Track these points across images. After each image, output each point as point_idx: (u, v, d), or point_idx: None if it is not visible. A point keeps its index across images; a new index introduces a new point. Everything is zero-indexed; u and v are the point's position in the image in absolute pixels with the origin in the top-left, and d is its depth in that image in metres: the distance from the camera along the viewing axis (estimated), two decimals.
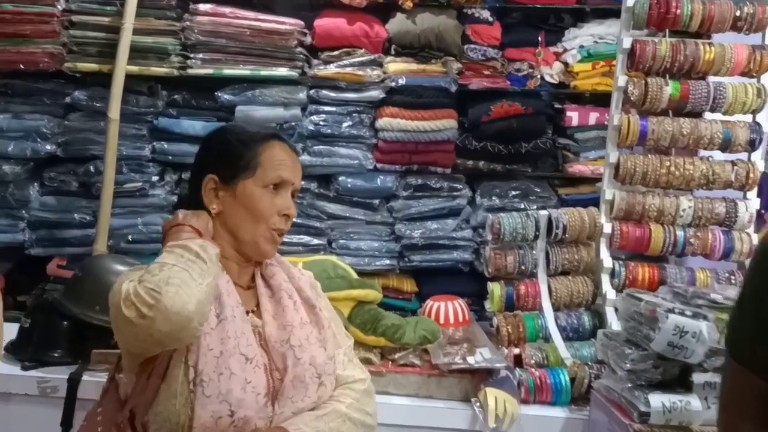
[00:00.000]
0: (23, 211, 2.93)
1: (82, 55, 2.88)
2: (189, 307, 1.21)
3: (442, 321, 2.27)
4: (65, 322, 2.09)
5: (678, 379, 1.79)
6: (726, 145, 2.37)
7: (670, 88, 2.37)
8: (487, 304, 2.39)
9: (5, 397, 2.01)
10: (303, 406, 1.37)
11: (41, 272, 2.96)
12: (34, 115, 2.92)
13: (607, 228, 2.35)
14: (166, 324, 1.20)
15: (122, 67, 2.76)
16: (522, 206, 2.97)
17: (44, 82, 2.93)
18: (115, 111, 2.73)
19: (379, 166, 3.04)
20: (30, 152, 2.89)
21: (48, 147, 2.91)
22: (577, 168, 3.06)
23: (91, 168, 2.88)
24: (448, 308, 2.31)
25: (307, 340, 1.42)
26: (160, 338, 1.23)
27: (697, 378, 1.75)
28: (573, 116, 3.09)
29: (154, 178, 2.95)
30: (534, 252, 2.35)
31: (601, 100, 3.03)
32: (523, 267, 2.34)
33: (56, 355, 2.08)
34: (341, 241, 3.03)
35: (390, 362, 2.13)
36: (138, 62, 2.86)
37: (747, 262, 2.35)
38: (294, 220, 2.87)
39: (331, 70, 2.96)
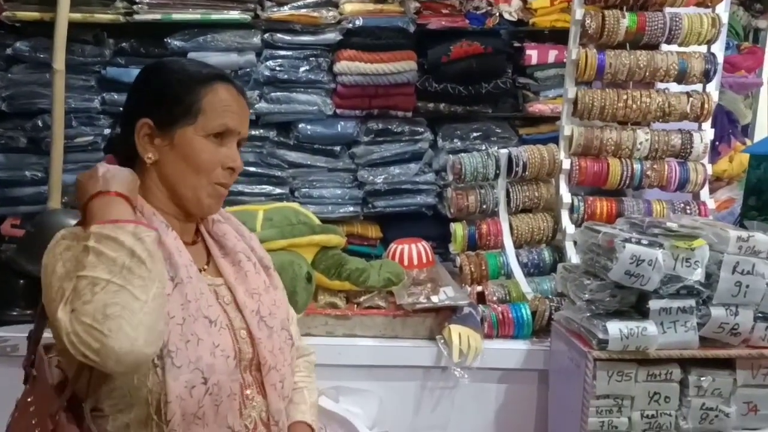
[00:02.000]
0: None
1: (22, 3, 2.75)
2: (138, 343, 1.04)
3: (406, 263, 2.28)
4: (21, 281, 2.04)
5: (634, 307, 1.82)
6: (682, 77, 2.38)
7: (627, 20, 2.36)
8: (451, 246, 2.40)
9: None
10: (285, 371, 1.33)
11: None
12: None
13: (566, 164, 2.36)
14: (118, 365, 1.05)
15: (64, 14, 2.62)
16: (483, 148, 2.94)
17: None
18: (60, 61, 2.62)
19: (338, 111, 2.99)
20: None
21: None
22: (537, 107, 3.04)
23: (39, 122, 2.78)
24: (412, 250, 2.32)
25: (274, 304, 1.36)
26: (117, 371, 1.08)
27: (653, 304, 1.78)
28: (532, 54, 3.05)
29: (106, 131, 2.86)
30: (495, 191, 2.36)
31: (560, 37, 2.99)
32: (484, 206, 2.35)
33: (14, 313, 2.04)
34: (304, 190, 2.99)
35: (355, 305, 2.14)
36: (81, 9, 2.73)
37: (701, 192, 2.39)
38: (254, 169, 2.97)
39: (284, 12, 2.88)
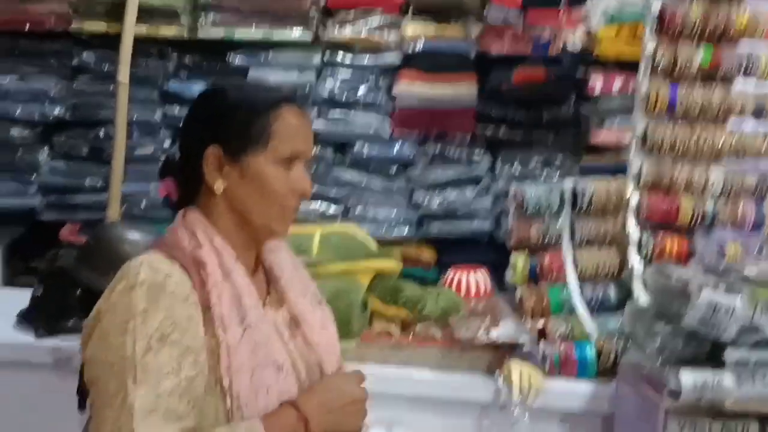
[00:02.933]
0: (33, 176, 2.87)
1: (89, 16, 2.79)
2: None
3: (463, 292, 2.22)
4: (78, 291, 2.04)
5: (709, 356, 1.73)
6: (759, 113, 2.28)
7: (701, 55, 2.28)
8: (509, 275, 2.33)
9: (19, 367, 1.97)
10: None
11: (54, 238, 2.90)
12: (41, 77, 2.83)
13: (634, 199, 2.28)
14: None
15: (130, 28, 2.67)
16: (544, 174, 2.90)
17: (51, 42, 2.84)
18: (124, 74, 2.65)
19: (396, 133, 2.96)
20: (38, 116, 2.82)
21: (56, 110, 2.83)
22: (601, 136, 2.97)
23: (101, 132, 2.82)
24: (470, 279, 2.26)
25: (333, 345, 1.33)
26: None
27: (730, 355, 1.68)
28: (597, 83, 2.99)
29: (166, 144, 2.89)
30: (558, 223, 2.29)
31: (626, 66, 2.93)
32: (546, 238, 2.28)
33: (69, 324, 2.03)
34: (358, 210, 2.97)
35: (410, 334, 2.08)
36: (147, 23, 2.77)
37: None
38: None
39: (346, 33, 2.86)
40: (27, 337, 2.01)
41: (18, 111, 2.80)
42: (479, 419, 1.98)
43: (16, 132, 2.81)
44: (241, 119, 1.21)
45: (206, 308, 1.16)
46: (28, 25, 2.75)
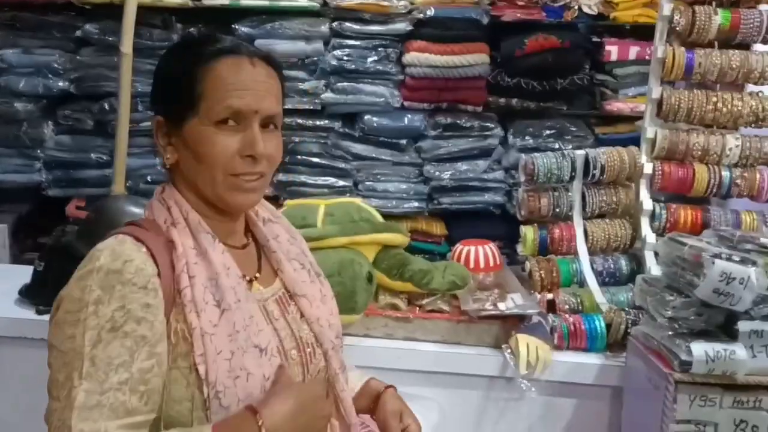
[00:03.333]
0: (39, 151, 2.86)
1: None
2: None
3: (472, 266, 2.17)
4: None
5: (722, 327, 1.68)
6: None
7: (719, 17, 2.19)
8: (519, 248, 2.28)
9: (20, 342, 1.95)
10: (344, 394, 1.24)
11: (61, 213, 2.90)
12: (45, 49, 2.82)
13: (648, 168, 2.21)
14: None
15: None
16: (557, 146, 2.84)
17: (53, 14, 2.82)
18: (127, 45, 2.60)
19: (406, 104, 2.91)
20: (42, 89, 2.80)
21: (60, 83, 2.82)
22: (616, 105, 2.91)
23: (106, 105, 2.79)
24: (479, 252, 2.20)
25: (332, 314, 1.24)
26: None
27: (743, 326, 1.62)
28: (612, 50, 2.92)
29: None
30: (569, 194, 2.22)
31: (642, 33, 2.85)
32: (557, 209, 2.22)
33: None
34: (368, 183, 2.93)
35: (417, 308, 2.04)
36: None
37: None
38: (317, 160, 2.91)
39: (354, 0, 2.80)
40: (28, 313, 1.99)
41: (22, 84, 2.79)
42: (487, 393, 1.94)
43: (20, 106, 2.80)
44: (171, 84, 1.11)
45: (178, 292, 1.08)
46: None
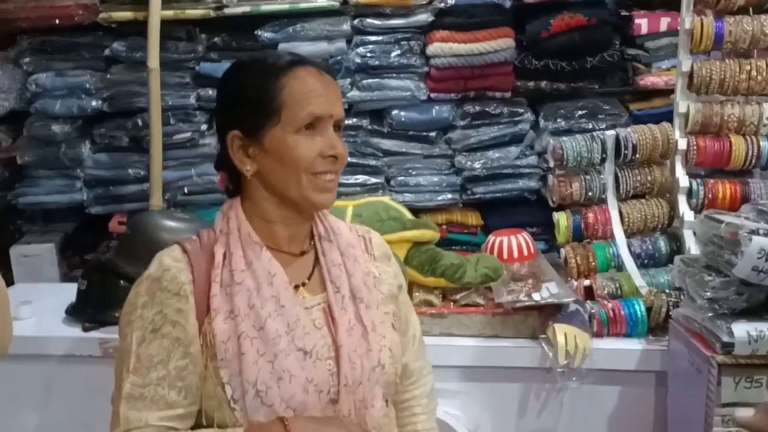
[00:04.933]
0: (78, 170, 2.93)
1: (116, 4, 2.79)
2: None
3: (505, 256, 2.15)
4: (121, 282, 2.06)
5: (764, 306, 1.62)
6: None
7: None
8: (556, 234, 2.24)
9: (68, 360, 2.02)
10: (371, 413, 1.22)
11: (105, 229, 2.97)
12: (76, 71, 2.87)
13: (682, 144, 2.14)
14: None
15: (156, 12, 2.66)
16: (590, 126, 2.77)
17: (82, 35, 2.87)
18: (154, 60, 2.65)
19: (433, 95, 2.88)
20: (77, 109, 2.86)
21: (94, 103, 2.86)
22: (649, 80, 2.81)
23: (139, 121, 2.84)
24: (512, 243, 2.18)
25: (355, 351, 1.20)
26: None
27: None
28: (642, 23, 2.82)
29: (203, 127, 2.89)
30: (602, 176, 2.18)
31: (673, 3, 2.74)
32: (590, 193, 2.17)
33: (116, 315, 2.04)
34: (399, 178, 2.91)
35: (452, 303, 2.03)
36: (173, 6, 2.76)
37: None
38: (348, 159, 2.90)
39: None
40: (75, 331, 2.05)
41: (57, 107, 2.84)
42: (527, 385, 1.93)
43: (57, 128, 2.86)
44: (248, 97, 1.19)
45: (209, 299, 1.17)
46: (57, 20, 2.77)
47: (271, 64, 1.20)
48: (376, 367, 1.22)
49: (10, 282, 2.86)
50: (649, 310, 1.91)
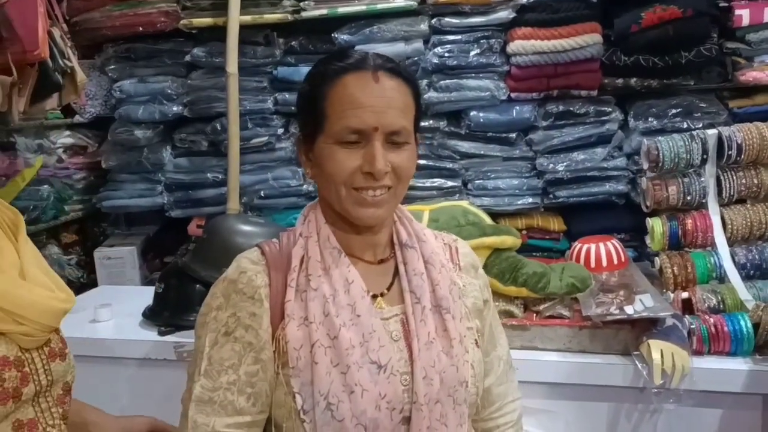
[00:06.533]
0: (159, 175, 2.98)
1: (196, 10, 2.83)
2: None
3: (593, 265, 2.01)
4: (197, 286, 2.05)
5: None
6: None
7: None
8: (647, 241, 2.09)
9: (144, 363, 2.02)
10: None
11: (185, 232, 3.01)
12: (158, 77, 2.92)
13: None
14: None
15: (235, 18, 2.67)
16: (685, 126, 2.60)
17: (163, 42, 2.92)
18: (232, 65, 2.65)
19: (513, 95, 2.77)
20: (158, 115, 2.90)
21: (175, 108, 2.91)
22: (751, 75, 2.60)
23: (218, 126, 2.86)
24: (600, 250, 2.03)
25: (433, 367, 1.11)
26: None
27: None
28: (743, 14, 2.62)
29: (280, 131, 2.88)
30: (701, 179, 2.01)
31: None
32: (688, 197, 2.01)
33: (191, 318, 2.05)
34: (478, 182, 2.82)
35: (534, 314, 1.91)
36: (251, 11, 2.77)
37: None
38: (425, 162, 2.83)
39: None
40: (151, 334, 2.05)
41: (140, 112, 2.90)
42: (617, 405, 1.79)
43: (140, 133, 2.92)
44: (302, 104, 1.17)
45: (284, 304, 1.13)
46: (140, 27, 2.83)
47: (326, 68, 1.14)
48: (457, 386, 1.13)
49: (94, 283, 2.94)
50: (756, 326, 1.73)
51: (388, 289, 1.18)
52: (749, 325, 1.74)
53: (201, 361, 1.12)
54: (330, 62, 1.14)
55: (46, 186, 2.95)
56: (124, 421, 1.38)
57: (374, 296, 1.16)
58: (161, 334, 2.04)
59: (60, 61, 2.34)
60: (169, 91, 2.89)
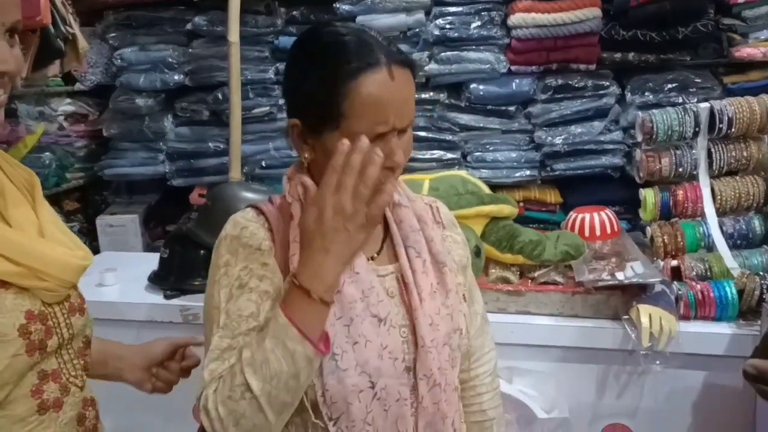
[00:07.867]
0: (161, 143, 3.00)
1: None
2: None
3: (587, 234, 2.06)
4: (201, 251, 2.10)
5: None
6: None
7: None
8: (641, 213, 2.14)
9: (151, 325, 2.06)
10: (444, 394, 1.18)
11: (186, 201, 3.04)
12: (159, 45, 2.94)
13: None
14: None
15: None
16: (680, 100, 2.65)
17: (164, 10, 2.93)
18: (234, 34, 2.66)
19: (513, 68, 2.80)
20: (160, 83, 2.92)
21: (176, 77, 2.93)
22: (746, 51, 2.64)
23: (219, 95, 2.88)
24: (594, 220, 2.09)
25: (438, 314, 1.17)
26: None
27: None
28: None
29: (281, 101, 2.91)
30: (693, 151, 2.06)
31: None
32: (680, 169, 2.06)
33: (196, 283, 2.10)
34: (477, 154, 2.86)
35: (529, 281, 1.97)
36: None
37: None
38: (424, 134, 2.87)
39: None
40: (157, 298, 2.10)
41: (141, 81, 2.92)
42: (606, 367, 1.85)
43: (141, 102, 2.93)
44: (313, 95, 1.11)
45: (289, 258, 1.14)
46: None
47: (339, 63, 1.09)
48: (452, 333, 1.20)
49: (96, 250, 2.99)
50: (740, 292, 1.80)
51: (378, 253, 1.21)
52: (734, 291, 1.81)
53: (218, 316, 1.10)
54: (341, 57, 1.10)
55: (47, 153, 2.97)
56: (145, 348, 1.42)
57: (367, 259, 1.19)
58: (167, 297, 2.09)
59: (62, 28, 2.32)
60: (170, 59, 2.91)
